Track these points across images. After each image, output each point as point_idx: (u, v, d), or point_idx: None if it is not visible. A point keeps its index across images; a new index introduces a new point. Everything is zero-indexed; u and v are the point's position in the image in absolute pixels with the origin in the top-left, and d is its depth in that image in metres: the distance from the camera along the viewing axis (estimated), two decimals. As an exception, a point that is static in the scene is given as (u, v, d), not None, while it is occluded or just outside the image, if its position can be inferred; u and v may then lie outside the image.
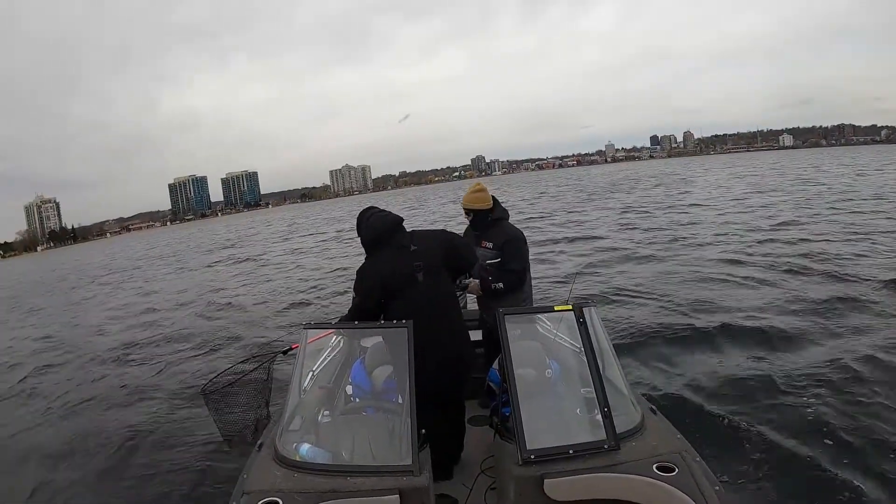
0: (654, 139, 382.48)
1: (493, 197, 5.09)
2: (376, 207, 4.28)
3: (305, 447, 3.36)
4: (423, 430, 3.27)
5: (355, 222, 4.26)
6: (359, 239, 4.20)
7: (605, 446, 3.23)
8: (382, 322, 3.71)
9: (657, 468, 3.08)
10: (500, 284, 4.84)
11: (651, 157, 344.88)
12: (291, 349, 5.62)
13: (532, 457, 3.17)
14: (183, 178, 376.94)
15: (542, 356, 3.84)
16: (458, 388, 4.18)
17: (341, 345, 4.24)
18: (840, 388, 6.55)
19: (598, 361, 3.53)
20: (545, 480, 3.10)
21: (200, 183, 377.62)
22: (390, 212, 4.22)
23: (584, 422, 3.46)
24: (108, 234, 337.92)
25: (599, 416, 3.34)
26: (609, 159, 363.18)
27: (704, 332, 9.18)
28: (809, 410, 6.10)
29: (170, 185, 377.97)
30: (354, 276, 4.14)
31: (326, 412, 3.74)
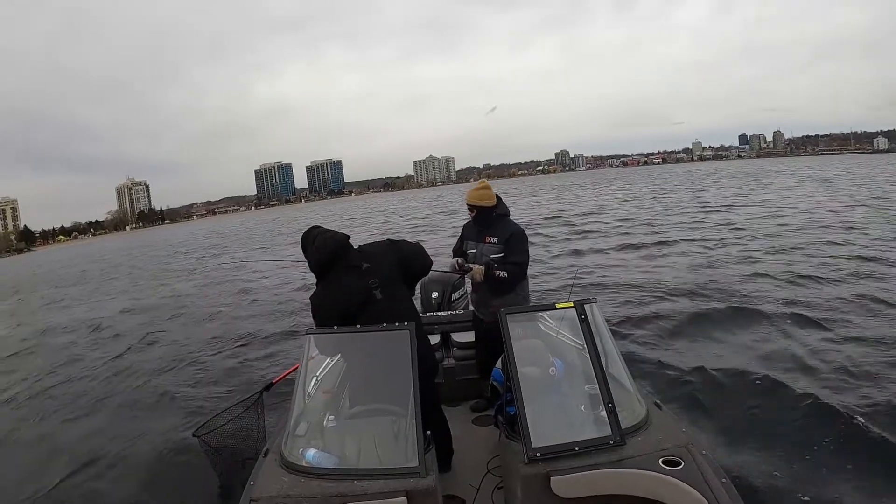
0: (742, 138, 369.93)
1: (496, 195, 5.17)
2: (320, 227, 4.20)
3: (311, 452, 3.38)
4: (429, 432, 3.28)
5: (301, 243, 4.17)
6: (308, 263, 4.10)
7: (611, 442, 3.23)
8: (385, 325, 3.66)
9: (663, 462, 3.08)
10: (504, 273, 4.93)
11: (739, 156, 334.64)
12: (273, 384, 5.83)
13: (538, 455, 3.17)
14: (269, 165, 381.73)
15: (545, 354, 3.83)
16: (430, 393, 4.06)
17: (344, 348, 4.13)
18: (850, 383, 6.53)
19: (602, 357, 3.52)
20: (552, 478, 3.11)
21: (285, 170, 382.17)
22: (336, 231, 4.14)
23: (588, 418, 3.45)
24: (194, 216, 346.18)
25: (604, 412, 3.34)
26: (696, 157, 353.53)
27: (709, 326, 9.29)
28: (815, 404, 6.03)
29: (256, 172, 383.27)
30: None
31: (331, 416, 3.75)
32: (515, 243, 5.03)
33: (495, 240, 5.04)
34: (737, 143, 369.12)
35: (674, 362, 7.76)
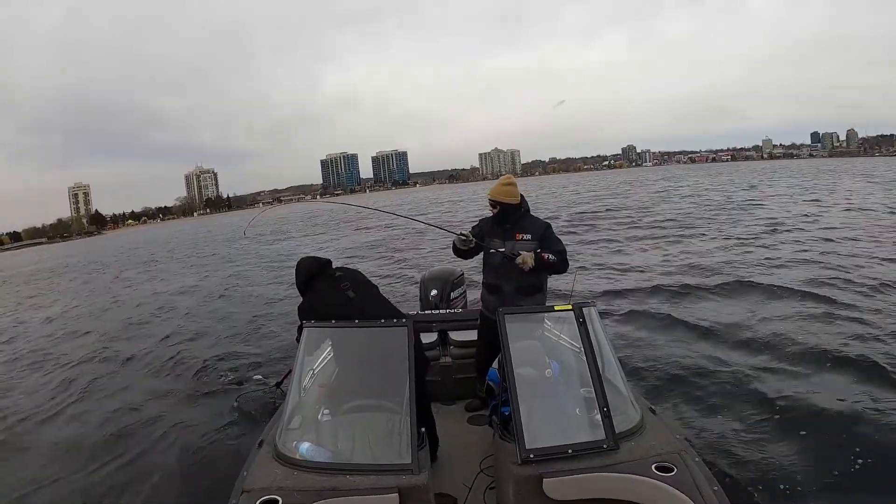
0: (814, 136, 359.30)
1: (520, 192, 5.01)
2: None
3: (305, 445, 3.40)
4: (423, 429, 3.30)
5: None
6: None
7: (605, 446, 3.25)
8: (383, 321, 3.75)
9: (656, 468, 3.09)
10: (553, 257, 4.75)
11: (811, 155, 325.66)
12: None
13: (531, 456, 3.19)
14: (335, 155, 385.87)
15: (542, 356, 3.81)
16: (421, 389, 4.00)
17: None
18: (847, 390, 6.43)
19: (598, 361, 3.52)
20: (544, 480, 3.13)
21: (351, 160, 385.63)
22: (317, 255, 4.64)
23: (583, 422, 3.47)
24: (260, 204, 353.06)
25: (599, 416, 3.35)
26: (765, 155, 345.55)
27: (707, 332, 9.11)
28: (809, 412, 5.94)
29: (322, 161, 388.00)
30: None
31: (326, 411, 3.76)
32: (551, 235, 4.90)
33: (528, 236, 4.85)
34: (808, 142, 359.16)
35: (670, 368, 7.65)
